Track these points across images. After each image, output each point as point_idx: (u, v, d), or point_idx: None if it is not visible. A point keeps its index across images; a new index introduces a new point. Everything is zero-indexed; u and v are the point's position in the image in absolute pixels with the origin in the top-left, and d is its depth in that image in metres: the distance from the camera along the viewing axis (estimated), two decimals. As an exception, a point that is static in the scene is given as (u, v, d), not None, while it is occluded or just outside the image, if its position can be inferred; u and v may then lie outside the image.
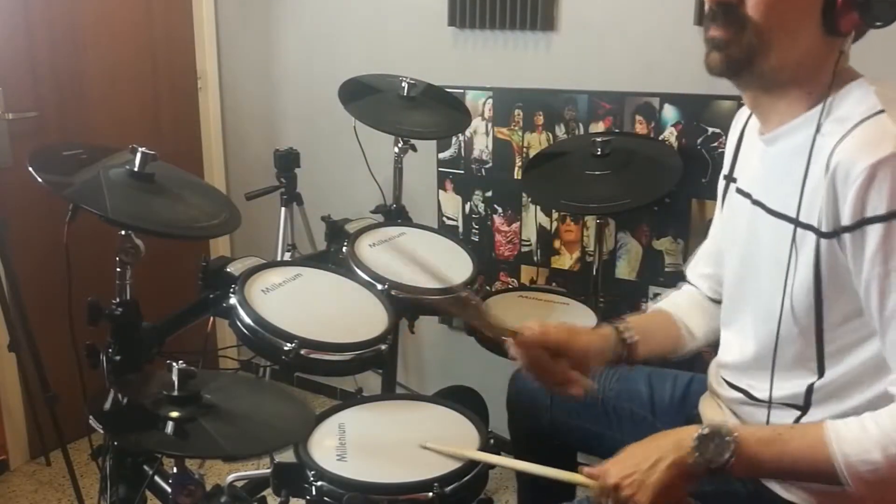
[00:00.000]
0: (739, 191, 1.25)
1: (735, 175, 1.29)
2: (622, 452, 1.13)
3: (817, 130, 1.05)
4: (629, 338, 1.36)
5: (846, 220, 1.00)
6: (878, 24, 1.02)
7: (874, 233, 0.97)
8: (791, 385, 1.13)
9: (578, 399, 1.32)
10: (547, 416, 1.53)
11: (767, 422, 1.16)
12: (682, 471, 1.07)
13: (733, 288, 1.28)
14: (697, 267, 1.46)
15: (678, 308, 1.45)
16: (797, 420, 1.13)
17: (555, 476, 1.21)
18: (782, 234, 1.09)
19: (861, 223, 0.98)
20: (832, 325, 1.07)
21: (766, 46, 1.06)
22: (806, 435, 1.06)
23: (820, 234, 1.03)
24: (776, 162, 1.13)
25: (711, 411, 1.31)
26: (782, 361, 1.13)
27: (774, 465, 1.06)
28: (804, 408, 1.12)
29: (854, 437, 1.00)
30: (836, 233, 1.02)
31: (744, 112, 1.30)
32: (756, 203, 1.19)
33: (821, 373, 1.10)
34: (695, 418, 1.35)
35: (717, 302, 1.40)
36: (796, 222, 1.07)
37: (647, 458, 1.09)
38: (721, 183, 1.34)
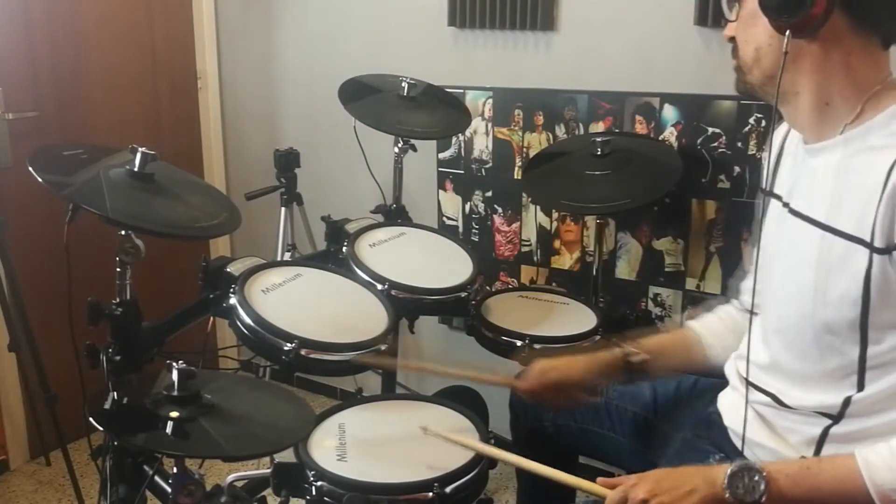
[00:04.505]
0: (782, 203, 1.22)
1: (776, 191, 1.26)
2: (649, 474, 1.11)
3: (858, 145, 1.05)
4: (637, 360, 1.40)
5: None
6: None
7: None
8: (827, 396, 1.11)
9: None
10: (549, 416, 1.53)
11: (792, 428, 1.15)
12: None
13: (769, 294, 1.25)
14: (745, 282, 1.42)
15: (709, 332, 1.43)
16: (826, 429, 1.11)
17: (570, 483, 1.18)
18: (828, 246, 1.07)
19: None
20: (877, 340, 1.06)
21: (768, 73, 1.10)
22: (836, 467, 1.04)
23: (873, 250, 1.02)
24: (823, 174, 1.11)
25: (734, 412, 1.26)
26: (822, 372, 1.11)
27: (806, 500, 1.04)
28: (836, 418, 1.10)
29: (885, 464, 0.99)
30: (889, 249, 1.00)
31: (784, 125, 1.27)
32: (796, 214, 1.16)
33: (860, 386, 1.08)
34: (711, 416, 1.33)
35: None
36: (845, 235, 1.05)
37: (680, 485, 1.07)
38: (759, 197, 1.31)
